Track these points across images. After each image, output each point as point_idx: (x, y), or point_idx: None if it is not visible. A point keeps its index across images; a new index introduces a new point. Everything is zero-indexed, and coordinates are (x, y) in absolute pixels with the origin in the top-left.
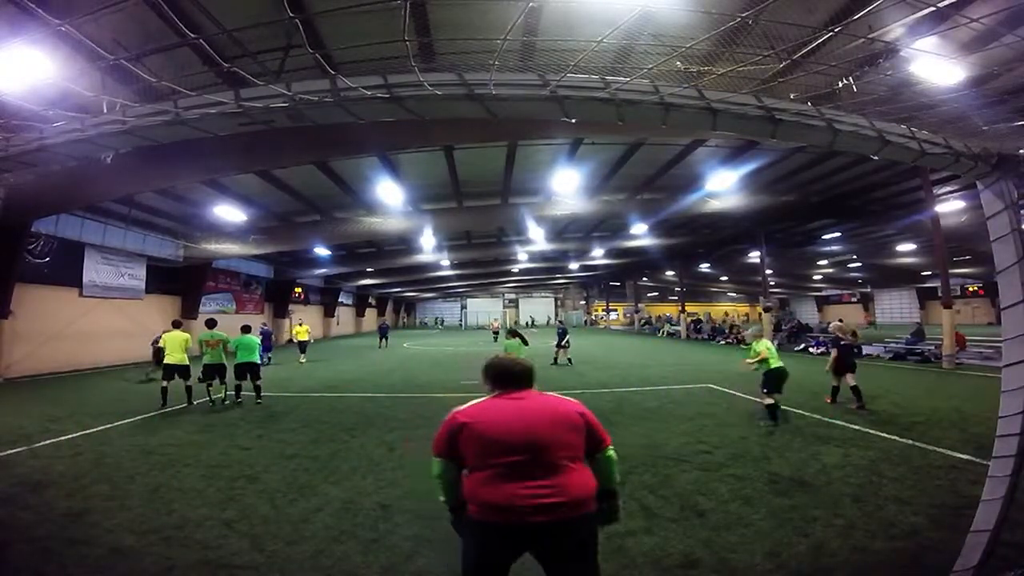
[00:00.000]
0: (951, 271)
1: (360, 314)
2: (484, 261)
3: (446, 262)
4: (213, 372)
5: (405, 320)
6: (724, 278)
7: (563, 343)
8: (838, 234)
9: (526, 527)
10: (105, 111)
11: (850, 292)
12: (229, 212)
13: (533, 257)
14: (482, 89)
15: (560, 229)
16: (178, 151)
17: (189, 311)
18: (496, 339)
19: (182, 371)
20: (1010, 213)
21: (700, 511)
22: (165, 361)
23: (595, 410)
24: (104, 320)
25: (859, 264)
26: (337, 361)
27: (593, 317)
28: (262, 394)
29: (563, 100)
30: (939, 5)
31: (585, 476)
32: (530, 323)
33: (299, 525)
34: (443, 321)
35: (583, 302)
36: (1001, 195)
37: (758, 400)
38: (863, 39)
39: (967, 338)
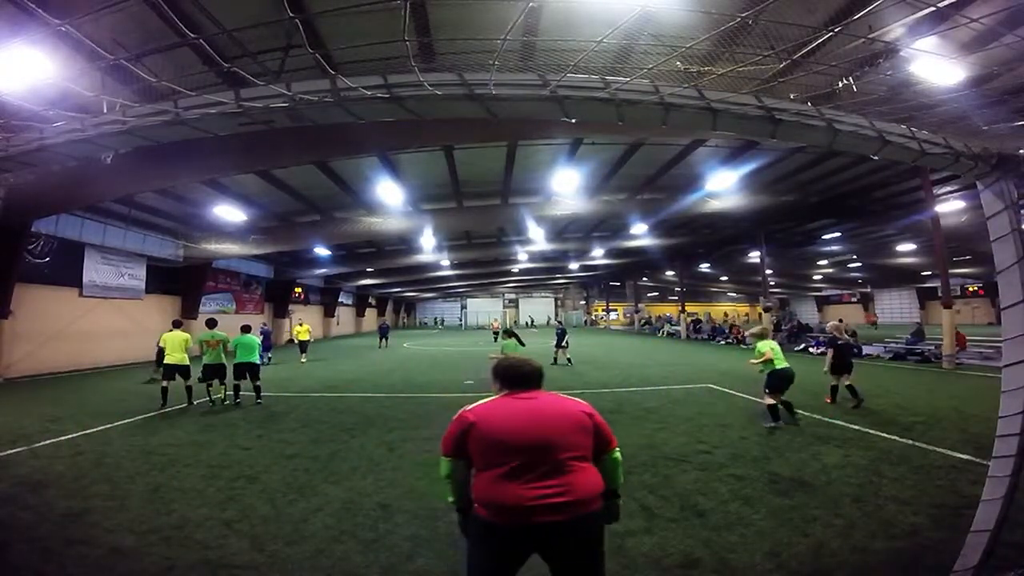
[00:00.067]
0: (951, 271)
1: (360, 314)
2: (484, 261)
3: (446, 262)
4: (213, 372)
5: (405, 320)
6: (724, 278)
7: (562, 343)
8: (838, 234)
9: (533, 527)
10: (105, 111)
11: (850, 292)
12: (229, 212)
13: (533, 257)
14: (482, 89)
15: (560, 229)
16: (178, 151)
17: (189, 311)
18: (496, 339)
19: (182, 371)
20: (1010, 213)
21: (700, 511)
22: (165, 361)
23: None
24: (104, 320)
25: (859, 264)
26: (337, 361)
27: (593, 317)
28: (262, 394)
29: (563, 100)
30: (939, 5)
31: (593, 476)
32: (530, 323)
33: (299, 525)
34: (443, 321)
35: (583, 302)
36: (1001, 195)
37: (759, 400)
38: (863, 39)
39: (967, 338)
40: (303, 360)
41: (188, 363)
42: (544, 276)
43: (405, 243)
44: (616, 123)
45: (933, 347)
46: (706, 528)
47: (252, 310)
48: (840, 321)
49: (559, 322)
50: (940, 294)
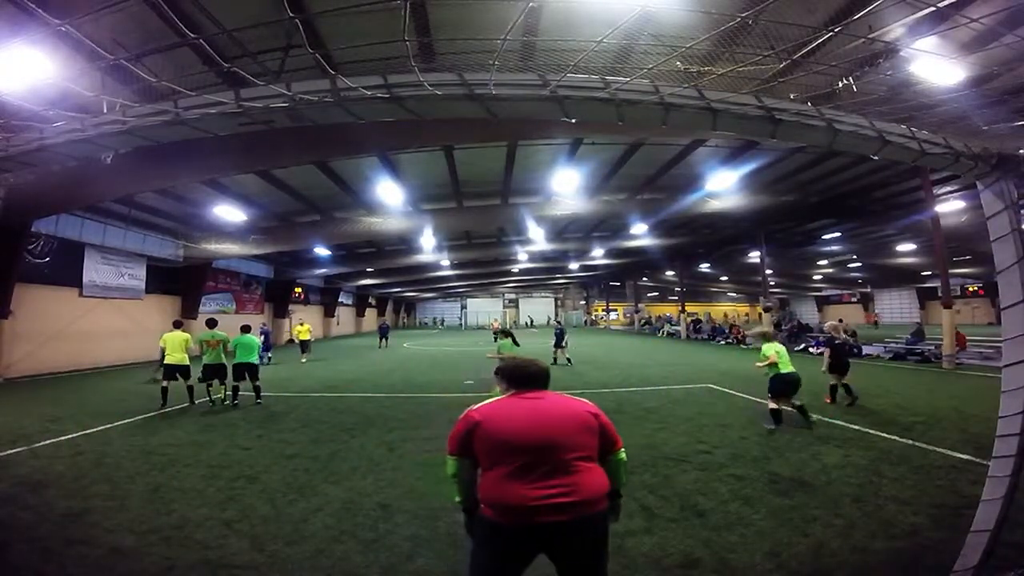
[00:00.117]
0: (951, 271)
1: (360, 314)
2: (484, 261)
3: (446, 262)
4: (213, 372)
5: (405, 320)
6: (724, 278)
7: (562, 343)
8: (838, 234)
9: (538, 527)
10: (105, 111)
11: (850, 292)
12: (229, 212)
13: (533, 257)
14: (482, 89)
15: (560, 229)
16: (178, 151)
17: (189, 311)
18: (496, 339)
19: (182, 371)
20: (1010, 213)
21: (700, 511)
22: (165, 361)
23: None
24: (104, 320)
25: (859, 264)
26: (337, 361)
27: (593, 317)
28: (262, 394)
29: (563, 100)
30: (939, 5)
31: (598, 476)
32: (529, 323)
33: (299, 525)
34: (443, 321)
35: (583, 302)
36: (1001, 195)
37: (759, 400)
38: (863, 39)
39: (967, 338)
40: (304, 360)
41: (188, 363)
42: (544, 276)
43: (405, 243)
44: (616, 123)
45: (933, 347)
46: (706, 528)
47: (252, 310)
48: (840, 321)
49: (558, 322)
50: (940, 294)
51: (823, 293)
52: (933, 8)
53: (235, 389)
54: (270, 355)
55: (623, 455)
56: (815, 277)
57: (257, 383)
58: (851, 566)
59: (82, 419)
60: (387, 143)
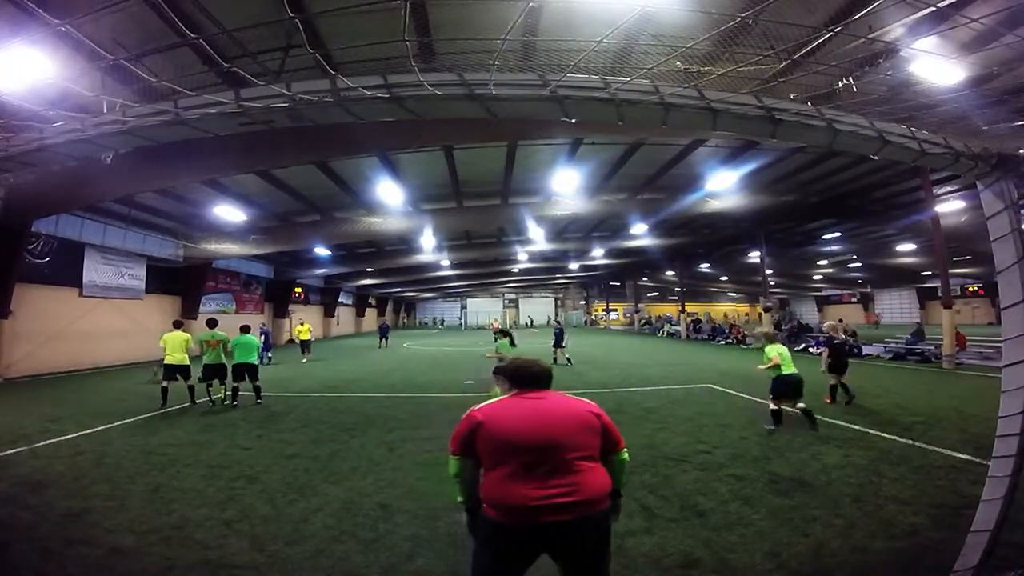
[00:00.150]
0: (951, 271)
1: (360, 314)
2: (484, 261)
3: (446, 262)
4: (213, 372)
5: (405, 320)
6: (724, 278)
7: (561, 343)
8: (838, 234)
9: (540, 527)
10: (105, 111)
11: (850, 292)
12: (229, 212)
13: (533, 257)
14: (482, 89)
15: (560, 229)
16: (178, 151)
17: (189, 311)
18: (496, 339)
19: (182, 371)
20: (1010, 213)
21: (700, 511)
22: (165, 361)
23: None
24: (104, 320)
25: (859, 264)
26: (337, 361)
27: (593, 317)
28: (262, 394)
29: (563, 100)
30: (939, 5)
31: (600, 475)
32: (529, 323)
33: (299, 525)
34: (443, 321)
35: (583, 302)
36: (1001, 195)
37: (760, 400)
38: (863, 39)
39: (967, 338)
40: (304, 360)
41: (188, 363)
42: (544, 276)
43: (405, 243)
44: (616, 123)
45: (933, 347)
46: (706, 528)
47: (252, 310)
48: (840, 321)
49: (557, 322)
50: (940, 294)
51: (823, 293)
52: (933, 8)
53: (235, 390)
54: (270, 355)
55: (626, 455)
56: (815, 277)
57: (257, 383)
58: (851, 566)
59: (82, 419)
60: (387, 143)
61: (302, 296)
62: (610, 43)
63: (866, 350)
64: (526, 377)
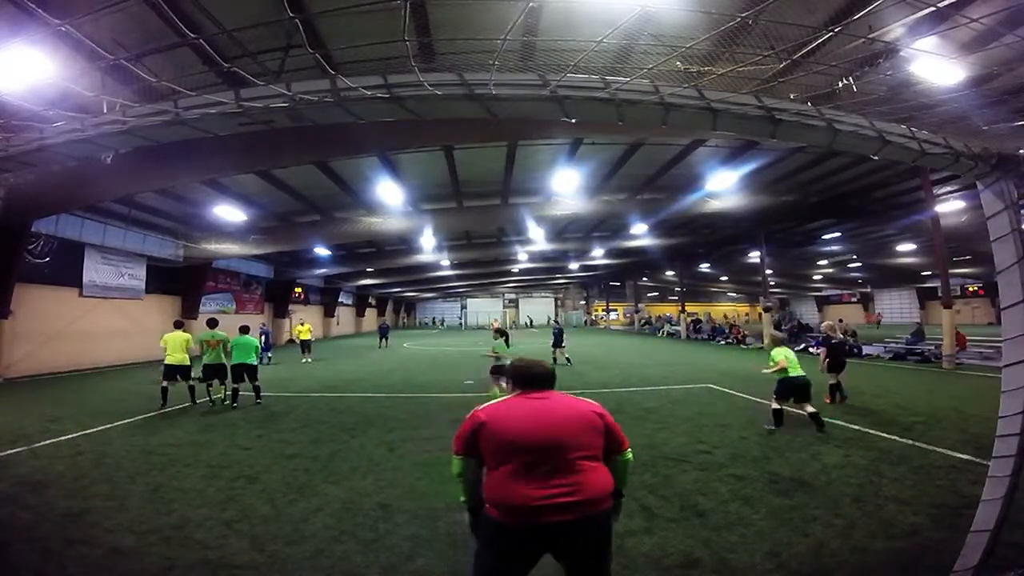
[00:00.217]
0: (951, 271)
1: (360, 314)
2: (484, 261)
3: (446, 262)
4: (213, 372)
5: (405, 320)
6: (724, 278)
7: (561, 343)
8: (838, 234)
9: (542, 527)
10: (105, 111)
11: (850, 292)
12: (229, 212)
13: (533, 257)
14: (482, 89)
15: (560, 229)
16: (178, 151)
17: (189, 311)
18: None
19: (183, 371)
20: (1010, 213)
21: (700, 511)
22: (166, 361)
23: None
24: (104, 320)
25: (859, 264)
26: (337, 361)
27: (593, 317)
28: (261, 394)
29: (563, 100)
30: (939, 5)
31: (602, 475)
32: (529, 323)
33: (299, 525)
34: (443, 321)
35: (583, 302)
36: (1001, 195)
37: (760, 400)
38: (863, 39)
39: (967, 338)
40: (307, 360)
41: (189, 363)
42: (544, 276)
43: (405, 243)
44: (616, 123)
45: (933, 347)
46: (706, 528)
47: (252, 310)
48: (840, 321)
49: (556, 322)
50: (940, 294)
51: (823, 293)
52: (933, 8)
53: (235, 391)
54: (270, 355)
55: (630, 455)
56: (815, 277)
57: (257, 383)
58: (851, 566)
59: (82, 419)
60: (387, 143)
61: (302, 296)
62: (610, 43)
63: (866, 350)
64: (530, 377)
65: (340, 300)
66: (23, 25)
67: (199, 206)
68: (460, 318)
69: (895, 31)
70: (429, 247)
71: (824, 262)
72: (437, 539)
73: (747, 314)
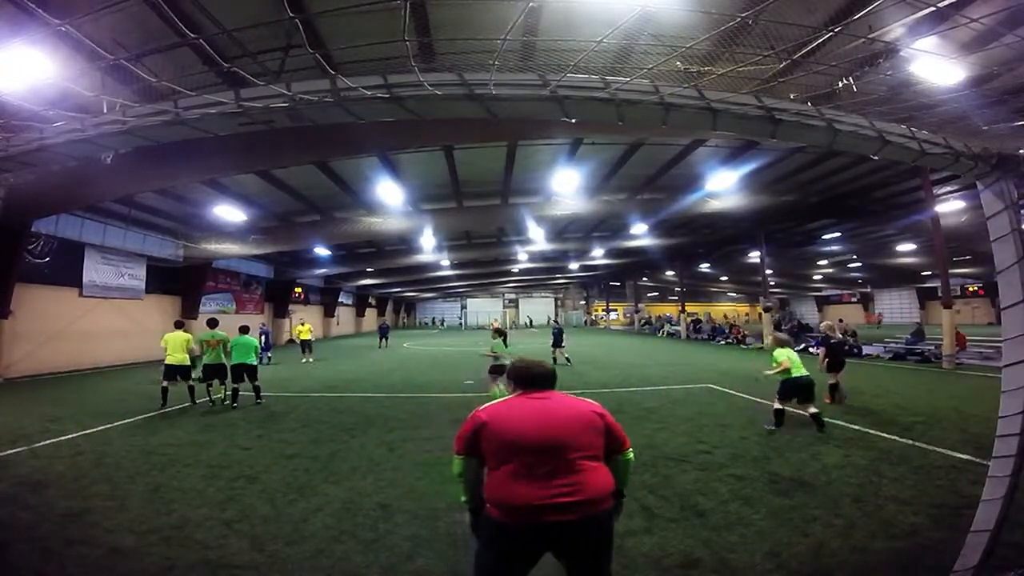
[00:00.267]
0: (951, 271)
1: (360, 314)
2: (484, 261)
3: (446, 262)
4: (213, 372)
5: (405, 320)
6: (724, 278)
7: (561, 343)
8: (838, 234)
9: (544, 527)
10: (105, 111)
11: (850, 292)
12: (229, 212)
13: (533, 257)
14: (482, 89)
15: (560, 229)
16: (178, 151)
17: (189, 311)
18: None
19: (183, 371)
20: (1010, 213)
21: (700, 511)
22: (166, 361)
23: None
24: (104, 320)
25: (859, 264)
26: (337, 361)
27: (593, 317)
28: (261, 394)
29: (563, 100)
30: (939, 5)
31: (603, 475)
32: (529, 323)
33: (299, 525)
34: (443, 321)
35: (583, 302)
36: (1001, 195)
37: (760, 400)
38: (863, 39)
39: (967, 338)
40: (307, 360)
41: (189, 363)
42: (544, 276)
43: (405, 243)
44: (616, 123)
45: (933, 347)
46: (706, 528)
47: (252, 310)
48: (840, 321)
49: (556, 322)
50: (940, 294)
51: (823, 293)
52: (933, 8)
53: (235, 392)
54: (270, 355)
55: (631, 455)
56: (815, 277)
57: (256, 383)
58: (851, 566)
59: (82, 419)
60: (387, 143)
61: (302, 296)
62: (610, 43)
63: (866, 350)
64: (530, 377)
65: (340, 300)
66: (23, 25)
67: (199, 206)
68: (460, 318)
69: (895, 31)
70: (429, 247)
71: (824, 262)
72: (437, 539)
73: (747, 314)
